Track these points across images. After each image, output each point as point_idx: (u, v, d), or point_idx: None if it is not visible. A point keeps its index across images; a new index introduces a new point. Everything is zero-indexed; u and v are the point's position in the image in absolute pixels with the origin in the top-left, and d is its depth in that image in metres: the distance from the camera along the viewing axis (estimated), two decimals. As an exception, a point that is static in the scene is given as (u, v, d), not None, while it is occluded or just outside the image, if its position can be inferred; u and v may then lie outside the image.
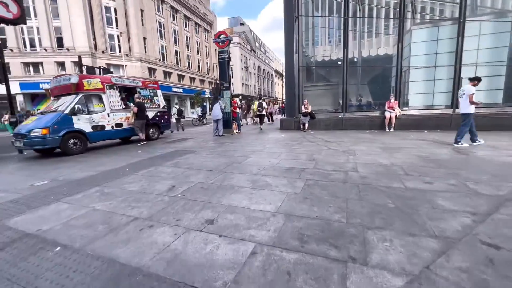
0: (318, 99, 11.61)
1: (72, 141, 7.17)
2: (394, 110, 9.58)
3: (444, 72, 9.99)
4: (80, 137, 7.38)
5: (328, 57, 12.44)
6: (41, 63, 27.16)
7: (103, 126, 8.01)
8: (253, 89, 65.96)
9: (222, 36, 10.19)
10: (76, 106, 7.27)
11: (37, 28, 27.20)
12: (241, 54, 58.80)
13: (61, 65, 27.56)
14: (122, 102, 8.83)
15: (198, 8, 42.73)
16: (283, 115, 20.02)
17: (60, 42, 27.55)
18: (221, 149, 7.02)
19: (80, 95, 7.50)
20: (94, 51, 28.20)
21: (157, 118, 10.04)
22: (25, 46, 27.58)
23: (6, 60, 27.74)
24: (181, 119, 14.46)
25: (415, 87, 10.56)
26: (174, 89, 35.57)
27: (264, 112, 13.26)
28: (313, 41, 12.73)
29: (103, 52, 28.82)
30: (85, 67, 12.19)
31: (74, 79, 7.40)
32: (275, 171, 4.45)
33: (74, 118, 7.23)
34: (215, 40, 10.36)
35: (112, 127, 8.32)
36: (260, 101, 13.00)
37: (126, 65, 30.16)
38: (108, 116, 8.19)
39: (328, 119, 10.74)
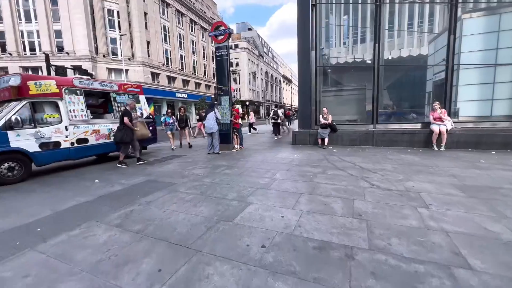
0: (339, 107, 9.33)
1: (6, 165, 5.12)
2: (443, 122, 7.20)
3: (508, 73, 7.57)
4: (20, 159, 5.32)
5: (343, 59, 10.20)
6: (40, 67, 25.87)
7: (57, 143, 5.94)
8: (260, 94, 64.06)
9: (221, 28, 8.08)
10: (14, 117, 5.23)
11: (37, 32, 26.07)
12: (249, 59, 57.19)
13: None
14: (88, 111, 6.80)
15: (204, 12, 41.36)
16: (289, 124, 17.77)
17: (60, 46, 26.32)
18: (210, 180, 4.81)
19: (23, 102, 5.47)
20: (94, 55, 26.82)
21: (138, 131, 7.96)
22: (24, 50, 26.47)
23: (5, 65, 26.66)
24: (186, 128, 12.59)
25: (467, 93, 8.14)
26: (178, 95, 33.88)
27: (279, 121, 12.66)
28: (326, 41, 10.52)
29: (104, 56, 27.42)
30: (53, 67, 10.28)
31: (14, 81, 5.38)
32: (295, 254, 2.19)
33: (10, 133, 5.18)
34: (211, 33, 8.27)
35: (72, 143, 6.25)
36: (276, 109, 12.31)
37: (128, 70, 28.67)
38: (66, 129, 6.13)
39: (353, 133, 8.41)
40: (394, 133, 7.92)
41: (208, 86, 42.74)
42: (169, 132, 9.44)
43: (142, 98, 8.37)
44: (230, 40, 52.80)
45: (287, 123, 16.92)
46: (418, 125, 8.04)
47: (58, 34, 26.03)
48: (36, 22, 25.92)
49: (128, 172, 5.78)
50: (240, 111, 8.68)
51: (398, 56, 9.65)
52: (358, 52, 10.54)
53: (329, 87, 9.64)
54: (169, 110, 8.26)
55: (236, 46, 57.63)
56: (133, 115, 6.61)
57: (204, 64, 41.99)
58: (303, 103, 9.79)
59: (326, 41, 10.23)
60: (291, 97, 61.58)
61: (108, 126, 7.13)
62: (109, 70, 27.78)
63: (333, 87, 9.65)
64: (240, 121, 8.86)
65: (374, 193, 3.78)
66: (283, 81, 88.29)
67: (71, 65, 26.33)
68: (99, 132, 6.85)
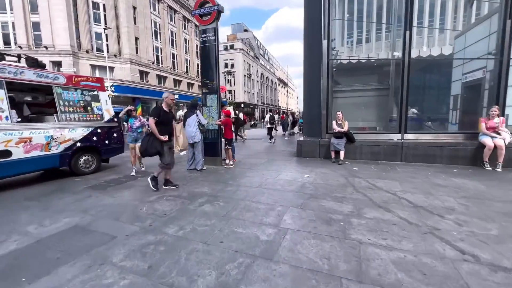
0: (354, 111, 7.50)
1: None
2: (500, 134, 5.42)
3: None
4: None
5: (354, 57, 8.45)
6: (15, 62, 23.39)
7: (-50, 160, 3.89)
8: (255, 97, 62.30)
9: (207, 5, 6.13)
10: None
11: (13, 23, 23.65)
12: (244, 61, 55.45)
13: (38, 65, 23.83)
14: (13, 111, 4.76)
15: (199, 10, 39.33)
16: (284, 130, 15.82)
17: (39, 40, 23.94)
18: (175, 230, 2.83)
19: None
20: (76, 50, 24.53)
21: (94, 138, 5.92)
22: (-3, 43, 24.00)
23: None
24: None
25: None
26: (168, 95, 31.63)
27: (274, 126, 12.04)
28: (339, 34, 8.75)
29: (87, 51, 25.14)
30: (23, 56, 7.74)
31: None
32: None
33: None
34: (195, 11, 6.31)
35: (-18, 159, 4.20)
36: (271, 113, 12.00)
37: (113, 67, 26.44)
38: (-31, 138, 4.09)
39: (375, 144, 6.54)
40: (430, 147, 6.09)
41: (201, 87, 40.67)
42: (132, 144, 5.76)
43: (103, 95, 6.35)
44: (225, 40, 50.97)
45: (288, 129, 15.13)
46: (459, 137, 6.25)
47: (36, 26, 23.67)
48: (11, 13, 23.51)
49: (55, 206, 3.75)
50: (233, 114, 6.72)
51: (417, 55, 7.91)
52: (372, 50, 8.79)
53: (342, 87, 7.80)
54: (132, 107, 5.90)
55: (232, 46, 55.86)
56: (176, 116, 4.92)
57: (198, 64, 39.92)
58: (309, 105, 7.93)
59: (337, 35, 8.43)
60: (287, 100, 60.06)
61: (46, 133, 5.09)
62: (93, 67, 25.50)
63: (347, 86, 7.81)
64: (233, 128, 6.92)
65: (481, 277, 1.89)
66: (279, 84, 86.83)
67: (50, 61, 24.16)
68: (30, 141, 4.81)
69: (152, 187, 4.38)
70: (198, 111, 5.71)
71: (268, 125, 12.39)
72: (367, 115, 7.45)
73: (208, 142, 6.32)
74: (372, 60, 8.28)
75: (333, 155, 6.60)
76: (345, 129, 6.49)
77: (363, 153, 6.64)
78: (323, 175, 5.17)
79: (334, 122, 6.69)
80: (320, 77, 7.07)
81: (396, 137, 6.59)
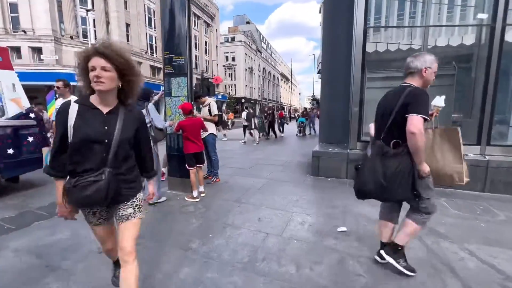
0: None
1: None
2: None
3: None
4: None
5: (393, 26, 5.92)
6: (-10, 47, 20.89)
7: None
8: (257, 92, 59.63)
9: None
10: None
11: (-13, 4, 21.08)
12: (246, 54, 52.70)
13: (17, 51, 21.33)
14: None
15: (198, -3, 36.54)
16: (281, 128, 13.29)
17: (17, 23, 21.37)
18: None
19: None
20: (59, 36, 21.97)
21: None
22: (-29, 26, 21.45)
23: None
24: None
25: None
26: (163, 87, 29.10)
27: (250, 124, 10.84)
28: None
29: (72, 38, 22.57)
30: None
31: None
32: None
33: None
34: None
35: None
36: (248, 110, 10.69)
37: (101, 56, 23.83)
38: None
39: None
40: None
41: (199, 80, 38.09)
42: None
43: (7, 75, 3.91)
44: (227, 32, 48.14)
45: (278, 128, 12.59)
46: None
47: (14, 8, 21.07)
48: (-14, -8, 20.90)
49: None
50: (215, 110, 4.19)
51: (446, 44, 5.39)
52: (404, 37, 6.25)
53: (377, 73, 5.29)
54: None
55: (233, 39, 53.04)
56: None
57: (196, 56, 37.24)
58: (329, 98, 5.50)
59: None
60: (290, 96, 57.36)
61: None
62: (78, 55, 22.91)
63: (386, 72, 5.30)
64: (214, 130, 4.42)
65: None
66: (281, 79, 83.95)
67: (29, 47, 21.66)
68: None
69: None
70: (149, 106, 3.27)
71: (245, 123, 10.93)
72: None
73: (173, 155, 3.89)
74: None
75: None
76: (393, 137, 4.05)
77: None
78: (370, 225, 2.74)
79: (372, 125, 4.23)
80: (350, 55, 4.58)
81: (473, 151, 4.12)
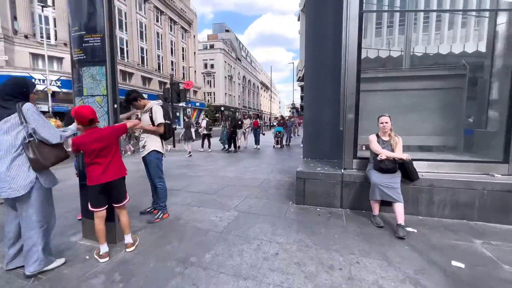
0: (396, 116, 4.00)
1: None
2: None
3: None
4: None
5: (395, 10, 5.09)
6: None
7: None
8: (237, 100, 58.65)
9: None
10: None
11: None
12: (225, 62, 51.78)
13: (-43, 50, 18.40)
14: None
15: (174, 2, 35.16)
16: (256, 139, 11.39)
17: (-42, 18, 18.50)
18: None
19: None
20: (11, 35, 19.37)
21: None
22: None
23: None
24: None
25: None
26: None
27: (211, 133, 10.57)
28: None
29: (26, 37, 20.02)
30: None
31: None
32: None
33: None
34: None
35: None
36: (208, 119, 10.34)
37: (63, 58, 21.48)
38: None
39: (461, 186, 3.06)
40: None
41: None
42: None
43: None
44: (206, 39, 47.35)
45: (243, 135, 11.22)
46: None
47: (-45, 1, 18.26)
48: None
49: None
50: (159, 118, 2.89)
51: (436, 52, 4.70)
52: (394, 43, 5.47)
53: (372, 72, 4.31)
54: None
55: (212, 46, 52.01)
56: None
57: (172, 61, 35.52)
58: (315, 105, 4.46)
59: None
60: (270, 105, 57.00)
61: None
62: (34, 55, 20.42)
63: (382, 72, 4.33)
64: (158, 147, 3.07)
65: None
66: (261, 88, 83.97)
67: (-27, 45, 18.77)
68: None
69: None
70: (26, 108, 1.89)
71: (205, 132, 10.47)
72: (420, 124, 4.00)
73: (85, 185, 2.49)
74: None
75: (376, 209, 3.04)
76: (399, 152, 3.00)
77: (432, 204, 3.15)
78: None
79: (373, 137, 3.15)
80: (338, 49, 3.54)
81: (499, 170, 3.17)
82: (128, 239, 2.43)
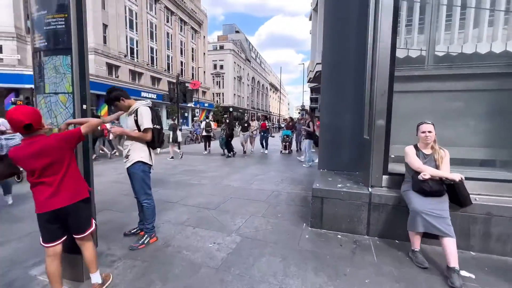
0: (438, 123, 3.30)
1: None
2: None
3: None
4: None
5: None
6: None
7: None
8: (246, 101, 58.21)
9: None
10: None
11: None
12: (234, 63, 51.49)
13: (-28, 49, 18.72)
14: None
15: (185, 3, 35.06)
16: (264, 143, 10.22)
17: (-26, 18, 18.79)
18: None
19: None
20: (24, 33, 19.55)
21: None
22: None
23: None
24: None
25: None
26: (144, 94, 26.94)
27: (211, 134, 10.44)
28: None
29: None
30: None
31: None
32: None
33: None
34: None
35: None
36: (208, 120, 10.14)
37: (73, 57, 21.51)
38: None
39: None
40: None
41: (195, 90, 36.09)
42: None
43: None
44: (216, 40, 47.28)
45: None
46: None
47: (-29, 1, 18.54)
48: None
49: None
50: (146, 122, 2.34)
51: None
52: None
53: (406, 70, 3.61)
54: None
55: (222, 47, 51.81)
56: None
57: (182, 62, 35.43)
58: (333, 108, 3.81)
59: None
60: (279, 106, 56.30)
61: None
62: (46, 55, 20.46)
63: (419, 69, 3.63)
64: (145, 157, 2.49)
65: None
66: (270, 89, 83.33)
67: (-13, 44, 19.03)
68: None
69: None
70: None
71: (204, 133, 10.42)
72: (466, 131, 3.28)
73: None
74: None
75: (417, 243, 2.36)
76: (447, 171, 2.32)
77: (489, 237, 2.44)
78: None
79: (411, 150, 2.48)
80: (362, 42, 2.90)
81: None
82: (95, 278, 1.86)
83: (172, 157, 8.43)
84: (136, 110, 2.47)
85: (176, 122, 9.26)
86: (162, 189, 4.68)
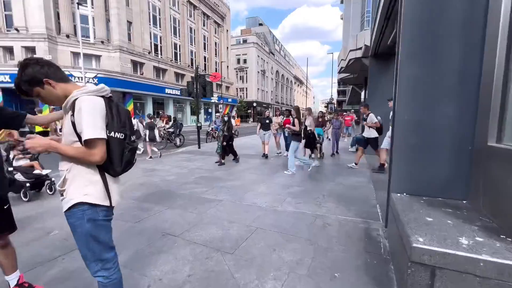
0: None
1: None
2: None
3: None
4: None
5: None
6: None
7: None
8: (269, 95, 56.57)
9: None
10: None
11: (-19, 2, 19.53)
12: (258, 56, 49.96)
13: (9, 51, 19.57)
14: None
15: (207, -4, 34.22)
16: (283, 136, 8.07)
17: (10, 21, 19.62)
18: None
19: None
20: (54, 35, 20.01)
21: None
22: (-36, 26, 19.99)
23: None
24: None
25: None
26: (168, 91, 26.77)
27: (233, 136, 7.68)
28: None
29: (68, 36, 20.59)
30: None
31: None
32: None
33: None
34: None
35: None
36: (225, 117, 7.16)
37: (100, 56, 21.79)
38: None
39: None
40: None
41: (218, 85, 35.54)
42: None
43: None
44: (239, 34, 46.26)
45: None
46: None
47: (8, 5, 19.34)
48: (-20, -11, 19.37)
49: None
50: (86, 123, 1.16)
51: None
52: None
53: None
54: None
55: (245, 41, 50.52)
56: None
57: (205, 57, 34.83)
58: (421, 89, 2.24)
59: None
60: (305, 100, 53.80)
61: None
62: (75, 54, 20.92)
63: None
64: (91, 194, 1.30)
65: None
66: (295, 83, 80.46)
67: (22, 46, 19.82)
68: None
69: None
70: None
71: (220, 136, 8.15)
72: None
73: None
74: None
75: None
76: None
77: None
78: None
79: None
80: None
81: None
82: None
83: (150, 157, 7.71)
84: (73, 102, 1.25)
85: (152, 120, 8.36)
86: (166, 209, 3.54)
